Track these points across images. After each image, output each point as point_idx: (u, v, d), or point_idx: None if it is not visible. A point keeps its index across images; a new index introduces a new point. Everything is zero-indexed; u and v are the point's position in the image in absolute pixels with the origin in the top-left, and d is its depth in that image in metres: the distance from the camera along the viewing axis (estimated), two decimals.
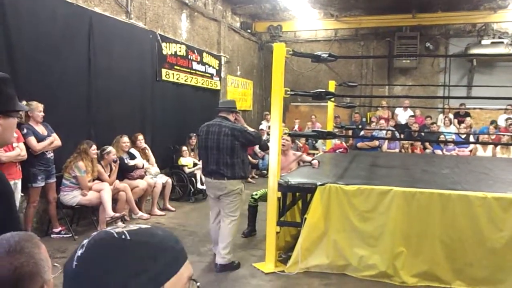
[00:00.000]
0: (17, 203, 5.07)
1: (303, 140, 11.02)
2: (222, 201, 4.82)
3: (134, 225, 0.84)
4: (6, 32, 5.20)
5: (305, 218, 4.70)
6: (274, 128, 4.93)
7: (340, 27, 13.11)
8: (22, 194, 5.24)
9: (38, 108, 5.36)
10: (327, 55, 5.23)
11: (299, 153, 6.71)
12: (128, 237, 0.79)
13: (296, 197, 5.61)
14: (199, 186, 8.40)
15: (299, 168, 6.09)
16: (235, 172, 4.74)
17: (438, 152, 10.11)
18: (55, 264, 1.31)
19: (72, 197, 5.85)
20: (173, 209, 7.52)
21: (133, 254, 0.77)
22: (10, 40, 5.25)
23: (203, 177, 8.46)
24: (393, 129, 10.64)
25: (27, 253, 1.14)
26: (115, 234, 0.79)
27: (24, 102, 5.28)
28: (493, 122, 10.87)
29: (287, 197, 5.33)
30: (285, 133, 5.03)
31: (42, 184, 5.51)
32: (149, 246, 0.79)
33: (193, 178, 8.35)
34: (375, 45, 13.29)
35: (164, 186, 7.41)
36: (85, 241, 0.80)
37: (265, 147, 5.59)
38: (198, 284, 0.85)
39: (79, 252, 0.79)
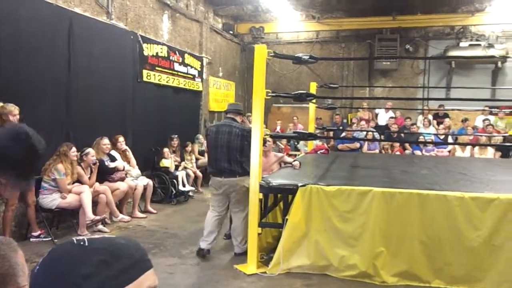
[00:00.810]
0: None
1: (284, 141, 11.06)
2: (233, 198, 5.17)
3: (100, 235, 0.89)
4: None
5: (287, 219, 4.72)
6: (255, 130, 4.94)
7: (322, 29, 13.19)
8: (0, 198, 5.15)
9: (13, 112, 5.23)
10: (308, 57, 5.27)
11: (280, 154, 6.75)
12: (86, 244, 0.82)
13: (278, 199, 5.62)
14: (181, 188, 8.37)
15: (281, 170, 6.12)
16: (244, 169, 5.07)
17: (418, 152, 10.26)
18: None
19: (51, 200, 5.77)
20: (154, 211, 7.47)
21: (86, 259, 0.79)
22: None
23: (185, 179, 8.55)
24: (374, 130, 10.75)
25: (2, 256, 1.14)
26: (75, 241, 0.83)
27: (0, 104, 5.20)
28: (465, 119, 11.06)
29: (269, 198, 5.35)
30: (267, 134, 5.05)
31: None
32: (103, 252, 0.80)
33: (174, 180, 8.31)
34: (356, 47, 13.41)
35: (145, 188, 7.37)
36: (51, 248, 0.85)
37: None
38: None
39: (43, 258, 0.83)
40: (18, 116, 5.29)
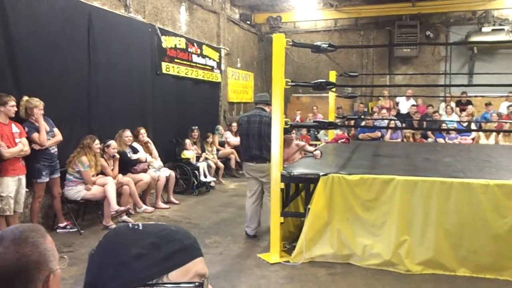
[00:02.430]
0: (22, 199, 5.11)
1: (304, 131, 11.02)
2: (265, 183, 5.46)
3: (157, 223, 0.91)
4: (5, 28, 5.20)
5: (309, 209, 4.72)
6: (276, 120, 4.93)
7: (340, 17, 13.05)
8: (27, 190, 5.27)
9: (38, 107, 5.34)
10: (327, 45, 5.22)
11: (301, 143, 6.73)
12: (140, 227, 0.85)
13: (299, 188, 5.63)
14: (202, 178, 8.43)
15: (302, 159, 6.11)
16: None
17: (441, 140, 10.11)
18: (63, 256, 1.32)
19: (76, 191, 5.88)
20: (177, 202, 7.55)
21: (138, 240, 0.82)
22: (10, 36, 5.25)
23: (206, 170, 8.61)
24: (395, 118, 10.62)
25: (31, 243, 1.16)
26: (130, 225, 0.87)
27: (25, 98, 5.31)
28: (489, 103, 10.84)
29: (290, 188, 5.35)
30: (287, 124, 5.03)
31: (47, 179, 5.53)
32: (155, 235, 0.83)
33: (196, 171, 8.37)
34: (375, 34, 13.23)
35: (167, 179, 7.44)
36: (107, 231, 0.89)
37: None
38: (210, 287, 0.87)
39: (99, 241, 0.86)
40: (42, 110, 5.39)
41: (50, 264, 1.19)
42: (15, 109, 5.04)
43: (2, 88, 5.06)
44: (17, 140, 5.02)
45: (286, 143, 5.85)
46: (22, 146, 5.05)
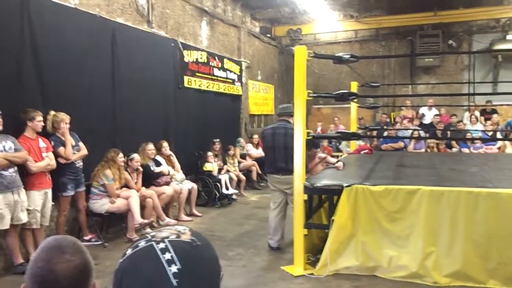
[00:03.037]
0: (49, 212, 5.19)
1: (326, 142, 10.97)
2: (290, 195, 5.35)
3: (183, 228, 0.93)
4: (33, 46, 5.33)
5: (333, 220, 4.67)
6: (298, 131, 4.92)
7: (361, 28, 13.03)
8: (53, 203, 5.35)
9: (64, 120, 5.45)
10: (349, 56, 5.21)
11: (323, 155, 6.69)
12: (199, 243, 0.88)
13: (322, 199, 5.58)
14: (224, 191, 8.44)
15: (325, 170, 6.06)
16: None
17: (465, 150, 9.93)
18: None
19: (101, 205, 5.95)
20: (199, 214, 7.57)
21: (211, 256, 0.88)
22: (37, 53, 5.39)
23: (228, 182, 8.62)
24: (419, 128, 10.48)
25: (86, 252, 1.18)
26: (193, 242, 0.88)
27: (52, 112, 5.43)
28: None
29: (313, 199, 5.31)
30: (309, 135, 5.01)
31: (72, 193, 5.61)
32: (210, 246, 0.91)
33: (218, 184, 8.39)
34: (397, 44, 13.16)
35: (190, 192, 7.48)
36: (170, 256, 0.82)
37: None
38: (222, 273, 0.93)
39: (173, 269, 0.80)
40: (68, 124, 5.50)
41: (94, 274, 1.20)
42: (42, 124, 5.15)
43: (30, 104, 5.17)
44: (44, 155, 5.12)
45: (311, 157, 5.84)
46: (49, 160, 5.15)
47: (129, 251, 0.87)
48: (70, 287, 1.12)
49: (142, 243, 0.86)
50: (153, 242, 0.84)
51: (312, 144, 5.66)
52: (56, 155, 5.35)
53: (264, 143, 5.82)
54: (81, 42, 6.08)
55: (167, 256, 0.81)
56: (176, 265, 0.80)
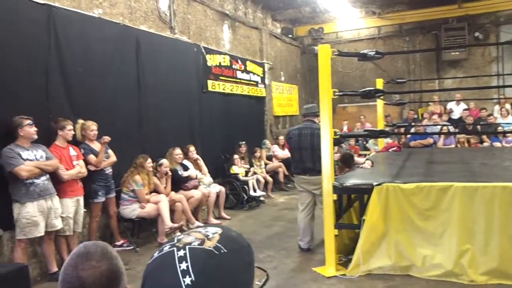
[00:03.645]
0: (81, 219, 5.28)
1: (353, 141, 10.85)
2: (318, 195, 5.32)
3: (212, 230, 0.89)
4: (59, 55, 5.44)
5: (364, 220, 4.61)
6: (325, 130, 4.87)
7: (383, 24, 12.86)
8: (85, 210, 5.44)
9: (90, 128, 5.55)
10: (373, 52, 5.13)
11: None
12: (225, 250, 0.84)
13: (352, 199, 5.52)
14: (251, 193, 8.45)
15: (353, 170, 5.99)
16: None
17: (497, 144, 9.67)
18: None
19: (131, 210, 6.02)
20: (228, 217, 7.59)
21: (239, 266, 0.84)
22: (64, 63, 5.50)
23: (255, 184, 8.62)
24: (448, 123, 10.26)
25: (115, 257, 1.18)
26: (214, 251, 0.83)
27: (80, 121, 5.53)
28: None
29: (343, 199, 5.25)
30: (337, 135, 4.96)
31: (103, 199, 5.70)
32: (242, 252, 0.87)
33: (245, 186, 8.40)
34: (421, 39, 12.92)
35: (218, 195, 7.50)
36: (185, 266, 0.80)
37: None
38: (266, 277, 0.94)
39: (187, 282, 0.79)
40: (96, 132, 5.60)
41: (125, 278, 1.20)
42: (73, 133, 5.25)
43: (58, 113, 5.28)
44: (74, 163, 5.22)
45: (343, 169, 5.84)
46: (80, 168, 5.24)
47: (156, 254, 0.87)
48: None
49: (166, 247, 0.86)
50: (175, 248, 0.83)
51: (345, 161, 5.66)
52: (86, 163, 5.44)
53: (290, 144, 5.76)
54: (106, 51, 6.18)
55: (183, 266, 0.80)
56: (190, 276, 0.79)
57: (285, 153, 9.89)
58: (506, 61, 12.13)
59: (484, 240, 4.31)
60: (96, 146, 5.63)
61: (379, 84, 8.10)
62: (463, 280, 4.27)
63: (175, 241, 0.86)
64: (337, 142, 5.46)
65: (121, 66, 6.45)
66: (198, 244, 0.83)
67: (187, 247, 0.83)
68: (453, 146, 9.84)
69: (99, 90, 6.03)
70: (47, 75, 5.29)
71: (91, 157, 5.51)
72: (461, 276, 4.29)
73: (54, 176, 4.89)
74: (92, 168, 5.51)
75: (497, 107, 11.21)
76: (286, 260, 5.30)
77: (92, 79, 5.92)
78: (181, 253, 0.82)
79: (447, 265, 4.35)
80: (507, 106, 10.84)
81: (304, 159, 5.46)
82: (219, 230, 0.88)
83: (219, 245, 0.83)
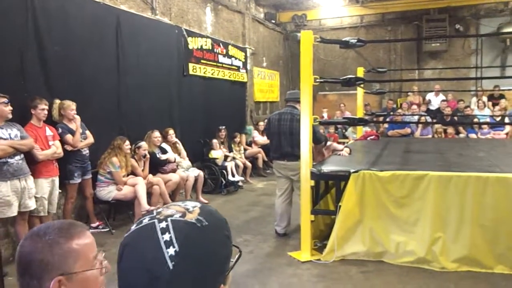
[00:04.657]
0: (56, 200, 5.21)
1: (332, 129, 10.92)
2: (296, 181, 5.37)
3: (192, 204, 0.88)
4: (37, 33, 5.31)
5: (340, 206, 4.66)
6: (304, 117, 4.89)
7: (366, 13, 12.88)
8: (60, 191, 5.37)
9: (70, 107, 5.47)
10: (356, 40, 5.14)
11: (329, 143, 6.66)
12: (206, 222, 0.84)
13: (329, 186, 5.57)
14: (230, 178, 8.45)
15: (331, 157, 6.04)
16: None
17: (473, 136, 9.86)
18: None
19: (108, 192, 5.97)
20: (206, 201, 7.57)
21: (219, 239, 0.84)
22: (41, 40, 5.37)
23: (234, 169, 8.62)
24: (425, 114, 10.40)
25: (46, 241, 1.14)
26: (197, 223, 0.83)
27: (57, 101, 5.43)
28: None
29: (320, 185, 5.30)
30: (316, 121, 4.98)
31: (79, 180, 5.63)
32: (221, 226, 0.87)
33: (224, 171, 8.40)
34: (403, 29, 13.00)
35: (196, 179, 7.48)
36: (169, 237, 0.79)
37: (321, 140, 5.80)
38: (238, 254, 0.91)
39: (171, 252, 0.77)
40: (75, 111, 5.51)
41: (64, 266, 1.14)
42: (46, 112, 5.12)
43: (35, 92, 5.16)
44: (50, 143, 5.12)
45: (318, 150, 5.83)
46: (55, 148, 5.15)
47: (133, 227, 0.86)
48: (19, 273, 1.14)
49: (146, 220, 0.84)
50: (155, 220, 0.82)
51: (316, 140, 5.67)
52: (63, 143, 5.36)
53: (270, 129, 5.75)
54: (85, 30, 6.05)
55: (166, 237, 0.78)
56: (174, 247, 0.77)
57: (265, 139, 9.89)
58: (485, 54, 12.32)
59: (456, 229, 4.41)
60: (73, 126, 5.54)
61: (360, 72, 8.13)
62: (434, 267, 4.37)
63: (155, 214, 0.85)
64: (319, 140, 5.49)
65: (101, 46, 6.33)
66: (180, 216, 0.82)
67: (169, 219, 0.81)
68: (430, 136, 9.99)
69: (77, 70, 5.91)
70: (24, 53, 5.15)
71: (69, 137, 5.42)
72: (432, 263, 4.39)
73: (29, 156, 4.80)
74: (69, 148, 5.43)
75: (474, 99, 11.40)
76: (263, 244, 5.34)
77: (70, 58, 5.79)
78: (163, 224, 0.80)
79: (419, 252, 4.44)
80: (484, 98, 11.03)
81: (282, 144, 5.48)
82: (198, 204, 0.88)
83: (200, 218, 0.83)
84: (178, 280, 0.77)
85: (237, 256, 0.88)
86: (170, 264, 0.76)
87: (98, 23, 6.28)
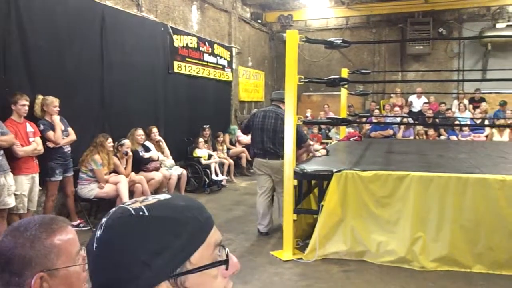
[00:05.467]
0: (36, 197, 5.14)
1: (316, 129, 10.98)
2: (276, 179, 5.46)
3: (153, 197, 0.80)
4: (20, 27, 5.24)
5: (322, 205, 4.68)
6: (289, 116, 4.91)
7: (352, 15, 12.98)
8: (41, 188, 5.30)
9: (53, 103, 5.40)
10: (340, 41, 5.19)
11: (310, 142, 6.68)
12: (147, 213, 0.74)
13: (312, 185, 5.60)
14: (213, 177, 8.43)
15: (314, 157, 6.07)
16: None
17: (454, 138, 10.01)
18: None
19: (89, 190, 5.91)
20: None
21: (153, 232, 0.72)
22: (25, 35, 5.30)
23: (217, 168, 8.61)
24: (407, 116, 10.53)
25: (27, 236, 1.13)
26: (133, 211, 0.75)
27: (40, 96, 5.36)
28: (504, 103, 10.66)
29: (303, 185, 5.32)
30: (300, 121, 5.01)
31: (60, 178, 5.56)
32: (169, 221, 0.74)
33: (207, 170, 8.38)
34: (387, 32, 13.13)
35: (179, 178, 7.45)
36: (103, 220, 0.77)
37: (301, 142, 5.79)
38: (227, 250, 0.80)
39: (98, 233, 0.75)
40: (58, 108, 5.44)
41: (47, 262, 1.13)
42: (26, 108, 5.04)
43: (17, 87, 5.10)
44: (31, 139, 5.05)
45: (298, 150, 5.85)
46: (36, 145, 5.08)
47: None
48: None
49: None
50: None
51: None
52: (45, 139, 5.29)
53: (253, 124, 5.73)
54: (69, 25, 5.99)
55: (103, 220, 0.77)
56: (100, 229, 0.75)
57: (249, 139, 9.89)
58: (467, 57, 12.51)
59: (436, 229, 4.47)
60: (56, 123, 5.47)
61: (344, 73, 8.19)
62: (414, 266, 4.42)
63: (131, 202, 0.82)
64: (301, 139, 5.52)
65: (85, 41, 6.27)
66: (131, 203, 0.78)
67: (123, 205, 0.78)
68: (412, 137, 10.12)
69: (61, 65, 5.84)
70: (6, 48, 5.08)
71: (50, 134, 5.35)
72: (412, 262, 4.45)
73: (9, 152, 4.73)
74: (50, 145, 5.36)
75: (455, 102, 11.58)
76: (245, 243, 5.34)
77: (54, 53, 5.73)
78: (114, 210, 0.79)
79: (400, 251, 4.49)
80: (465, 101, 11.22)
81: (265, 140, 5.53)
82: (166, 197, 0.81)
83: (144, 208, 0.75)
84: (98, 262, 0.75)
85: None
86: (94, 246, 0.75)
87: (82, 19, 6.22)
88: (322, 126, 11.18)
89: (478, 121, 10.11)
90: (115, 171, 6.29)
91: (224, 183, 8.77)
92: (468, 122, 9.96)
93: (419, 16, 12.34)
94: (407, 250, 4.48)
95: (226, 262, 0.78)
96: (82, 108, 6.20)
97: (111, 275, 0.73)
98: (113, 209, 0.79)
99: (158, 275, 0.71)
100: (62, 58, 5.86)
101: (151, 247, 0.71)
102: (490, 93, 11.31)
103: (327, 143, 9.23)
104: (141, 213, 0.74)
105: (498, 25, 11.82)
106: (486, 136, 10.01)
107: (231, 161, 9.44)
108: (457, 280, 4.20)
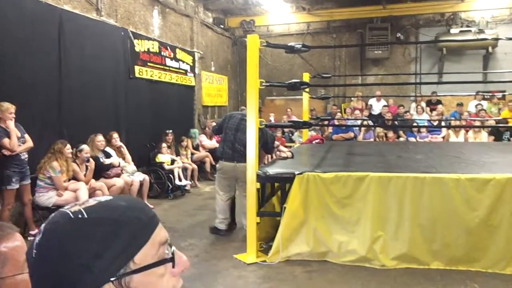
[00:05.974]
0: None
1: (279, 133, 11.06)
2: (241, 182, 5.38)
3: (94, 199, 0.78)
4: None
5: (285, 208, 4.73)
6: (251, 120, 4.94)
7: (312, 20, 13.19)
8: None
9: (9, 110, 5.23)
10: (300, 45, 5.26)
11: (276, 143, 6.75)
12: (86, 215, 0.73)
13: (275, 188, 5.64)
14: (177, 182, 8.37)
15: (277, 159, 6.12)
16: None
17: (412, 139, 10.30)
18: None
19: (47, 198, 5.75)
20: (151, 206, 7.41)
21: (92, 234, 0.71)
22: None
23: (181, 173, 8.54)
24: (368, 118, 10.77)
25: None
26: (71, 214, 0.74)
27: None
28: (460, 104, 11.11)
29: (266, 188, 5.35)
30: (262, 125, 5.04)
31: (17, 186, 5.39)
32: (108, 222, 0.73)
33: (171, 175, 8.30)
34: (347, 37, 13.41)
35: (141, 184, 7.35)
36: (43, 226, 0.76)
37: (270, 150, 5.98)
38: (173, 248, 0.80)
39: (37, 239, 0.74)
40: (13, 114, 5.27)
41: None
42: None
43: None
44: None
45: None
46: None
47: None
48: None
49: None
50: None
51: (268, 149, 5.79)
52: (0, 147, 5.12)
53: (229, 123, 5.74)
54: (25, 29, 5.84)
55: (42, 226, 0.76)
56: (40, 235, 0.74)
57: (213, 143, 9.90)
58: (423, 61, 12.94)
59: (395, 227, 4.59)
60: (11, 129, 5.30)
61: (306, 77, 8.31)
62: (375, 265, 4.52)
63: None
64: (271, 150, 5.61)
65: (41, 46, 6.13)
66: (70, 207, 0.77)
67: (63, 209, 0.77)
68: (372, 140, 10.36)
69: (16, 70, 5.69)
70: None
71: (6, 141, 5.18)
72: (373, 261, 4.54)
73: None
74: (6, 152, 5.19)
75: (413, 105, 11.94)
76: (208, 248, 5.32)
77: (8, 58, 5.58)
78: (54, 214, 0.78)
79: (361, 250, 4.58)
80: (423, 104, 11.58)
81: (237, 140, 5.55)
82: (107, 198, 0.79)
83: (83, 210, 0.74)
84: (38, 269, 0.74)
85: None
86: (33, 252, 0.74)
87: (39, 23, 6.08)
88: (286, 130, 11.28)
89: (435, 123, 10.45)
90: (75, 178, 6.15)
91: (187, 188, 8.71)
92: (426, 124, 10.27)
93: (378, 22, 12.67)
94: (368, 249, 4.57)
95: (171, 260, 0.78)
96: (39, 114, 6.05)
97: (52, 281, 0.71)
98: (53, 214, 0.78)
99: (100, 277, 0.70)
100: (17, 64, 5.70)
101: (90, 250, 0.70)
102: (446, 95, 11.72)
103: (290, 146, 9.31)
104: (79, 216, 0.73)
105: (452, 31, 12.28)
106: (443, 137, 10.35)
107: (195, 166, 9.39)
108: (416, 276, 4.32)
